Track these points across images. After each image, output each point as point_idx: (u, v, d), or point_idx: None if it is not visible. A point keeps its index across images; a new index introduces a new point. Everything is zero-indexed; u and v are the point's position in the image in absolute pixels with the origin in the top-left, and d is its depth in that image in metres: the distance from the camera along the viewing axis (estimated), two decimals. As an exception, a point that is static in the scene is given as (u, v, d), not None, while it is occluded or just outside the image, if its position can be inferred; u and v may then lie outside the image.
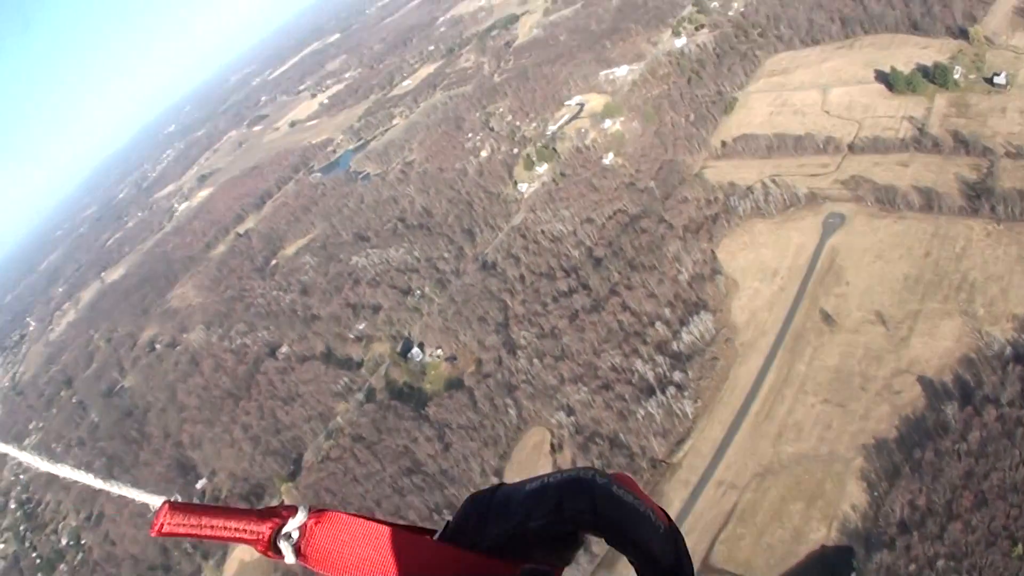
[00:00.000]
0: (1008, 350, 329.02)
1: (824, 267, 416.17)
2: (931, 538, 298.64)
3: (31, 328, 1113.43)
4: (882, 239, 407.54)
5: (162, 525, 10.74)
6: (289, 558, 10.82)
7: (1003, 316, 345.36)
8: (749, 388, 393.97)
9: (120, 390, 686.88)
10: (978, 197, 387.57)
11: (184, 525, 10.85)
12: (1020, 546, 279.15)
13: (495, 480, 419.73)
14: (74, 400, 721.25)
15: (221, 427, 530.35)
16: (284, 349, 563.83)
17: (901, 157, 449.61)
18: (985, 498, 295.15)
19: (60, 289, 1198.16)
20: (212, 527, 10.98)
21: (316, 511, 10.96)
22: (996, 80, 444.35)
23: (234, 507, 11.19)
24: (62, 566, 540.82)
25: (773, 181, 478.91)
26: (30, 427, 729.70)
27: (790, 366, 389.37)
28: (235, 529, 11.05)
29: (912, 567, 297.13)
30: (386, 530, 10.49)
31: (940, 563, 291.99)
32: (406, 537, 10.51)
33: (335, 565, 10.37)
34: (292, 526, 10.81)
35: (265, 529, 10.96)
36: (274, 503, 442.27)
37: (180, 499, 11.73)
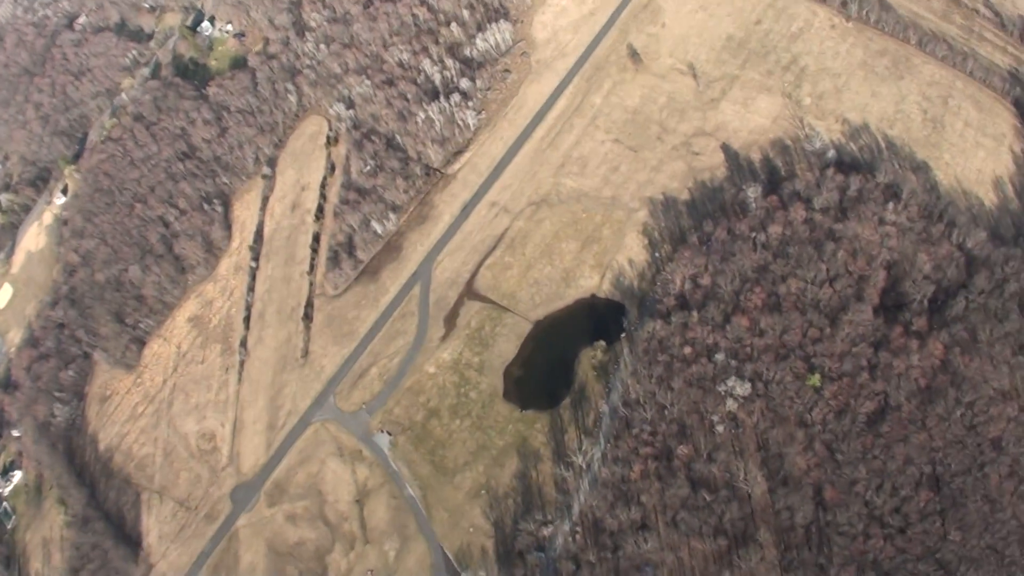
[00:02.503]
0: (831, 153, 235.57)
1: (642, 2, 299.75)
2: (712, 324, 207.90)
3: None
4: None
5: None
6: None
7: (832, 115, 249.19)
8: (537, 110, 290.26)
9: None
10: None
11: None
12: (817, 376, 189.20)
13: (268, 171, 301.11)
14: None
15: (16, 107, 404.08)
16: (82, 19, 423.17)
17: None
18: (780, 304, 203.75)
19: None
20: None
21: None
22: None
23: None
24: None
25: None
26: None
27: (585, 96, 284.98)
28: None
29: (687, 350, 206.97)
30: None
31: (719, 357, 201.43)
32: None
33: None
34: None
35: None
36: (59, 187, 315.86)
37: None
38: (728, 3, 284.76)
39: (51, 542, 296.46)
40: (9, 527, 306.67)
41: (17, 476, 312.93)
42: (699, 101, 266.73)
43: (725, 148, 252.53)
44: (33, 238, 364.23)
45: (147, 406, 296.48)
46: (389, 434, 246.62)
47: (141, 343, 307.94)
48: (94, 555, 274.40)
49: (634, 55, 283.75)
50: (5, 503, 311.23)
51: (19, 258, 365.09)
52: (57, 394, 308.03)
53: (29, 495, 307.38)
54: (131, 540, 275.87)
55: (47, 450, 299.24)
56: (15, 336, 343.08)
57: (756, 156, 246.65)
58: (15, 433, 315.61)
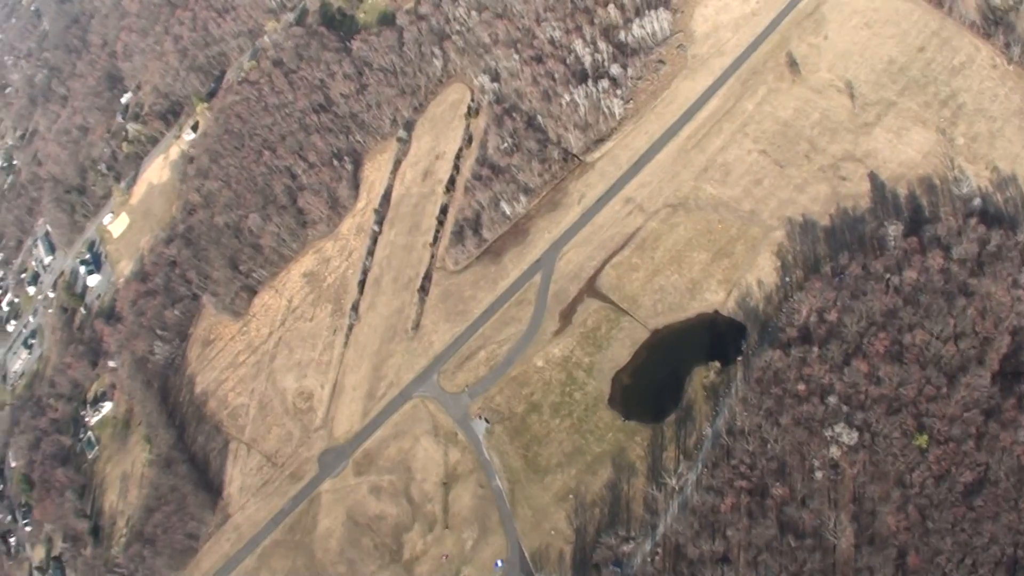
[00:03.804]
0: (977, 201, 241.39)
1: (807, 9, 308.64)
2: (830, 364, 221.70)
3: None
4: (878, 8, 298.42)
5: None
6: None
7: (983, 160, 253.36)
8: (687, 107, 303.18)
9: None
10: (996, 23, 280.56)
11: None
12: (925, 437, 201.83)
13: (404, 134, 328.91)
14: (32, 8, 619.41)
15: (154, 37, 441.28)
16: None
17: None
18: (902, 354, 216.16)
19: None
20: None
21: None
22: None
23: None
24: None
25: None
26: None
27: (738, 100, 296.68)
28: None
29: (801, 387, 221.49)
30: None
31: (832, 400, 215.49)
32: None
33: None
34: None
35: None
36: (189, 123, 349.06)
37: None
38: (894, 24, 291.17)
39: (130, 478, 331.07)
40: (91, 457, 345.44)
41: (107, 407, 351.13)
42: (852, 123, 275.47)
43: (872, 177, 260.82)
44: (157, 171, 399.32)
45: (249, 356, 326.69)
46: (487, 421, 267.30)
47: (252, 292, 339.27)
48: (172, 497, 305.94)
49: (792, 64, 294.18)
50: (90, 432, 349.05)
51: (140, 189, 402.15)
52: (159, 332, 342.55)
53: (116, 428, 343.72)
54: (211, 488, 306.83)
55: (141, 386, 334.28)
56: (125, 267, 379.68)
57: (902, 191, 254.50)
58: (111, 364, 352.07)
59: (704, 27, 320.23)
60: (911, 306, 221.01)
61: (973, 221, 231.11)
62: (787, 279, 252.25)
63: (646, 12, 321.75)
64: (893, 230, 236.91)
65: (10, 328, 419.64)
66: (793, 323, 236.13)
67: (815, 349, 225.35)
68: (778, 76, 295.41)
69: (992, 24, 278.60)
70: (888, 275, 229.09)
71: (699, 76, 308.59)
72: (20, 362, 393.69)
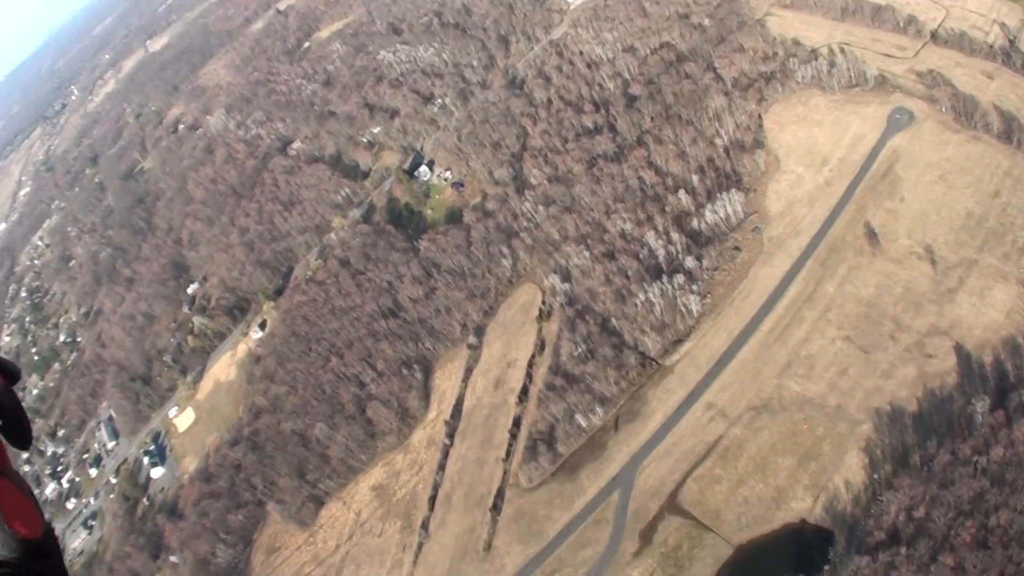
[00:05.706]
0: None
1: (880, 171, 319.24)
2: (918, 563, 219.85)
3: (73, 97, 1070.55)
4: (950, 157, 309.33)
5: None
6: None
7: None
8: (767, 297, 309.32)
9: (138, 172, 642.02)
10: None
11: None
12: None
13: (474, 340, 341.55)
14: (96, 180, 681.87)
15: (220, 228, 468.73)
16: (296, 145, 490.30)
17: (986, 66, 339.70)
18: (987, 538, 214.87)
19: (106, 56, 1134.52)
20: None
21: None
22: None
23: None
24: (56, 365, 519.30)
25: (841, 49, 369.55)
26: (52, 206, 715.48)
27: (818, 283, 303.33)
28: None
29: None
30: None
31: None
32: None
33: None
34: None
35: None
36: (256, 321, 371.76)
37: None
38: (968, 172, 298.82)
39: None
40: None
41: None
42: (935, 292, 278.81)
43: (958, 349, 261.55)
44: (224, 368, 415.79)
45: (315, 568, 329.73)
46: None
47: (319, 503, 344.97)
48: None
49: (871, 235, 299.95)
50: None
51: (207, 385, 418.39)
52: (222, 535, 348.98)
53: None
54: None
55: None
56: (190, 464, 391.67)
57: (988, 359, 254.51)
58: (173, 559, 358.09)
59: (778, 205, 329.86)
60: (998, 486, 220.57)
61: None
62: (875, 476, 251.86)
63: (718, 195, 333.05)
64: (980, 406, 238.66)
65: (69, 505, 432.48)
66: (881, 525, 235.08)
67: (903, 549, 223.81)
68: (857, 251, 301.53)
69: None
70: (976, 457, 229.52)
71: (777, 260, 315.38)
72: (79, 541, 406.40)
